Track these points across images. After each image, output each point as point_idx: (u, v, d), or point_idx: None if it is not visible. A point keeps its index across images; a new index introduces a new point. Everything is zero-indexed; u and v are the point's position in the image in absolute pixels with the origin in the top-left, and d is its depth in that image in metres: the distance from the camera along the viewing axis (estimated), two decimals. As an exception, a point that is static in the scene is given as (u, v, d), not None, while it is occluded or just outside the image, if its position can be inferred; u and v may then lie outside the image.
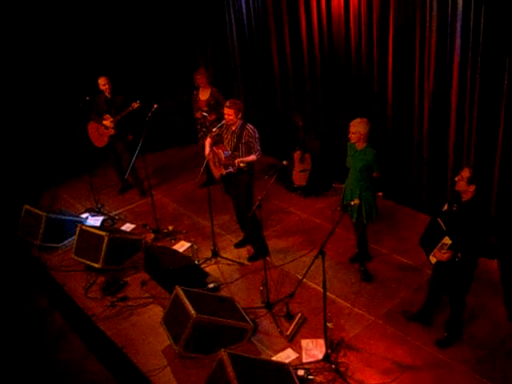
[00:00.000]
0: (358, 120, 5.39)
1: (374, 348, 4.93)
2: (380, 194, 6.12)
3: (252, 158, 5.85)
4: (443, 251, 4.43)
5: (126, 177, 7.57)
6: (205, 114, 7.22)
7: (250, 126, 5.92)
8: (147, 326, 5.46)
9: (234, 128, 5.88)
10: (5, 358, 5.22)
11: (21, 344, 5.41)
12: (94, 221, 7.40)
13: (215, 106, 7.45)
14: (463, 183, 4.39)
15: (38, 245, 6.81)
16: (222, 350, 4.37)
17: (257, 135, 5.88)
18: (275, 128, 8.79)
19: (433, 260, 4.59)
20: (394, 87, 6.65)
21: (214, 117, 7.38)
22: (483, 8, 5.36)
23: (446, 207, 4.57)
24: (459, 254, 4.38)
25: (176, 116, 9.55)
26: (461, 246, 4.36)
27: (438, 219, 4.51)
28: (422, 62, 6.23)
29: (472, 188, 4.38)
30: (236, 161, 5.78)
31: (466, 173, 4.38)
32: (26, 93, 8.33)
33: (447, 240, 4.40)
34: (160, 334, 5.27)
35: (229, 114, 5.79)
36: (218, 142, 6.04)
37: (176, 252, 6.43)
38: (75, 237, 6.46)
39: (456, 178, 4.45)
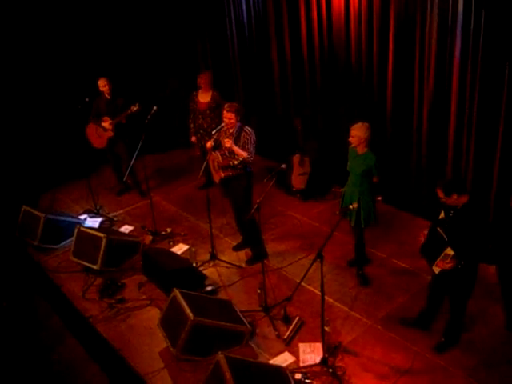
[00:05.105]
0: (359, 124, 5.40)
1: (372, 352, 4.92)
2: (379, 198, 6.12)
3: (243, 153, 5.80)
4: (447, 261, 4.42)
5: (124, 178, 7.56)
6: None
7: (248, 128, 5.93)
8: (144, 328, 5.45)
9: (232, 130, 5.89)
10: (2, 359, 5.21)
11: (18, 345, 5.39)
12: (93, 222, 7.39)
13: (215, 109, 7.45)
14: (450, 200, 4.40)
15: (36, 246, 6.81)
16: (220, 352, 4.35)
17: (253, 137, 5.88)
18: (274, 131, 8.80)
19: (436, 270, 4.57)
20: (394, 92, 6.65)
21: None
22: (483, 11, 5.36)
23: (442, 215, 4.56)
24: (462, 262, 4.38)
25: (176, 118, 9.55)
26: (464, 254, 4.36)
27: (438, 228, 4.50)
28: (421, 66, 6.24)
29: (461, 197, 4.38)
30: (226, 143, 5.77)
31: (441, 194, 4.41)
32: (25, 94, 8.32)
33: (450, 251, 4.38)
34: (157, 337, 5.26)
35: (230, 117, 5.81)
36: (218, 146, 6.04)
37: (174, 254, 6.43)
38: (73, 238, 6.45)
39: (443, 201, 4.47)
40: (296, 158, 7.70)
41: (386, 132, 6.94)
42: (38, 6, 8.11)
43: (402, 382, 4.58)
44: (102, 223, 7.42)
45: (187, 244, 6.73)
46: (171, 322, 5.12)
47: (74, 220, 7.22)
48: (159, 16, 9.04)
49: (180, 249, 6.71)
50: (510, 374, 4.55)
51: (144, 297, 5.90)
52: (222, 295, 5.85)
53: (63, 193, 8.47)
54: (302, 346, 5.03)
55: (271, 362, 4.85)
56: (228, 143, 5.77)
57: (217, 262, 6.40)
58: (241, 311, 5.40)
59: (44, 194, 8.39)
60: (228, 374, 4.12)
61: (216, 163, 6.02)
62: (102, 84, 7.46)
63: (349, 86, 7.27)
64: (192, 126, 7.71)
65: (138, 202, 7.98)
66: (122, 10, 8.79)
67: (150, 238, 6.95)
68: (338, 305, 5.56)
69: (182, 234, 7.07)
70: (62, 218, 7.11)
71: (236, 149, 5.80)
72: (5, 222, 7.28)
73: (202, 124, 7.56)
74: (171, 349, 4.96)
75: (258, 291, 5.59)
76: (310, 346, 5.01)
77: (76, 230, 6.44)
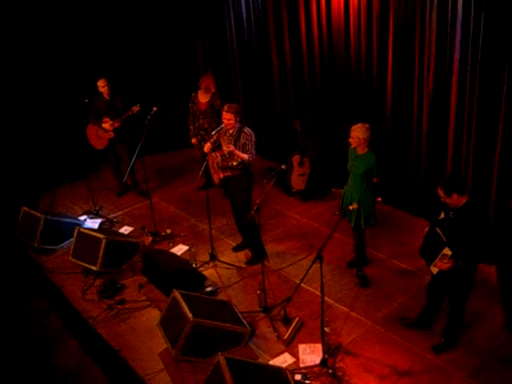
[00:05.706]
0: (358, 125, 5.41)
1: (372, 353, 4.92)
2: (379, 199, 6.13)
3: (244, 156, 5.82)
4: (444, 261, 4.42)
5: (124, 179, 7.56)
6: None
7: (248, 129, 5.92)
8: (144, 329, 5.45)
9: (231, 131, 5.89)
10: (1, 361, 5.21)
11: (17, 346, 5.39)
12: (92, 223, 7.38)
13: (215, 109, 7.45)
14: (450, 200, 4.40)
15: (36, 247, 6.81)
16: (219, 353, 4.35)
17: (253, 138, 5.88)
18: (274, 132, 8.80)
19: (434, 270, 4.57)
20: (393, 92, 6.65)
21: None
22: (483, 11, 5.36)
23: (442, 215, 4.56)
24: (460, 263, 4.38)
25: (176, 118, 9.55)
26: (461, 255, 4.36)
27: (437, 229, 4.50)
28: (421, 67, 6.24)
29: (462, 197, 4.38)
30: (227, 148, 5.75)
31: (441, 194, 4.42)
32: (24, 95, 8.33)
33: (447, 251, 4.38)
34: (157, 337, 5.25)
35: (229, 118, 5.80)
36: (217, 147, 6.03)
37: (174, 255, 6.43)
38: (73, 239, 6.45)
39: (443, 200, 4.47)
40: (296, 159, 7.70)
41: (386, 132, 6.93)
42: (37, 6, 8.11)
43: (402, 382, 4.57)
44: (101, 224, 7.41)
45: (187, 245, 6.72)
46: (171, 322, 5.12)
47: (74, 221, 7.21)
48: (159, 17, 9.04)
49: (180, 250, 6.70)
50: (510, 374, 4.55)
51: (144, 298, 5.89)
52: (221, 296, 5.85)
53: (63, 193, 8.47)
54: (301, 347, 5.03)
55: (271, 362, 4.85)
56: (229, 149, 5.77)
57: (216, 262, 6.40)
58: (240, 312, 5.40)
59: (44, 195, 8.39)
60: (228, 375, 4.12)
61: (215, 164, 6.02)
62: (102, 85, 7.46)
63: (348, 87, 7.26)
64: (192, 127, 7.69)
65: (138, 203, 7.98)
66: (121, 11, 8.79)
67: (150, 238, 6.95)
68: (338, 305, 5.56)
69: (182, 234, 7.07)
70: (62, 219, 7.10)
71: (237, 152, 5.79)
72: (4, 223, 7.28)
73: (203, 124, 7.53)
74: (171, 350, 4.96)
75: (258, 292, 5.59)
76: (309, 347, 5.01)
77: (76, 231, 6.44)
